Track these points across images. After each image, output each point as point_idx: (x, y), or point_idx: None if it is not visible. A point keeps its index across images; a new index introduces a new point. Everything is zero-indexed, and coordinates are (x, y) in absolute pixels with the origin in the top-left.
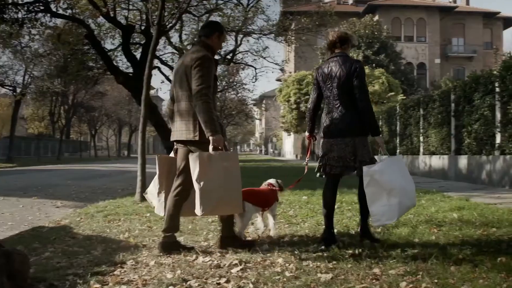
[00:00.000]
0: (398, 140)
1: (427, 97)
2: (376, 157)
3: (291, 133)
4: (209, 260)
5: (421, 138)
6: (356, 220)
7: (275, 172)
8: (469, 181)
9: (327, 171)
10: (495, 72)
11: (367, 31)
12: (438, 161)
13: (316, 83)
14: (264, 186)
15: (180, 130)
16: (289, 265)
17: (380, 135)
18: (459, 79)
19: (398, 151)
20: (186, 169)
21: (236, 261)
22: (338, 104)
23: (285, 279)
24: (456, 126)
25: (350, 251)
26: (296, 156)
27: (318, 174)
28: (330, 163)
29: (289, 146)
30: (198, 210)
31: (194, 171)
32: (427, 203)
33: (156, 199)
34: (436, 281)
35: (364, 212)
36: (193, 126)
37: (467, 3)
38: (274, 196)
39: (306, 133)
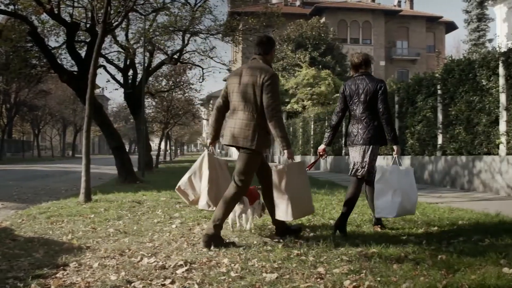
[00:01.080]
0: (343, 141)
1: None
2: (391, 165)
3: None
4: (154, 261)
5: None
6: (302, 219)
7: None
8: None
9: (357, 175)
10: (437, 75)
11: (313, 33)
12: (382, 162)
13: (342, 97)
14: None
15: (238, 137)
16: (234, 265)
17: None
18: (403, 81)
19: (344, 151)
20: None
21: (182, 262)
22: (364, 117)
23: (230, 279)
24: (399, 127)
25: (295, 251)
26: None
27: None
28: (363, 167)
29: None
30: (287, 216)
31: (282, 181)
32: None
33: (193, 194)
34: (379, 279)
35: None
36: (252, 136)
37: (411, 7)
38: (257, 194)
39: (323, 146)
